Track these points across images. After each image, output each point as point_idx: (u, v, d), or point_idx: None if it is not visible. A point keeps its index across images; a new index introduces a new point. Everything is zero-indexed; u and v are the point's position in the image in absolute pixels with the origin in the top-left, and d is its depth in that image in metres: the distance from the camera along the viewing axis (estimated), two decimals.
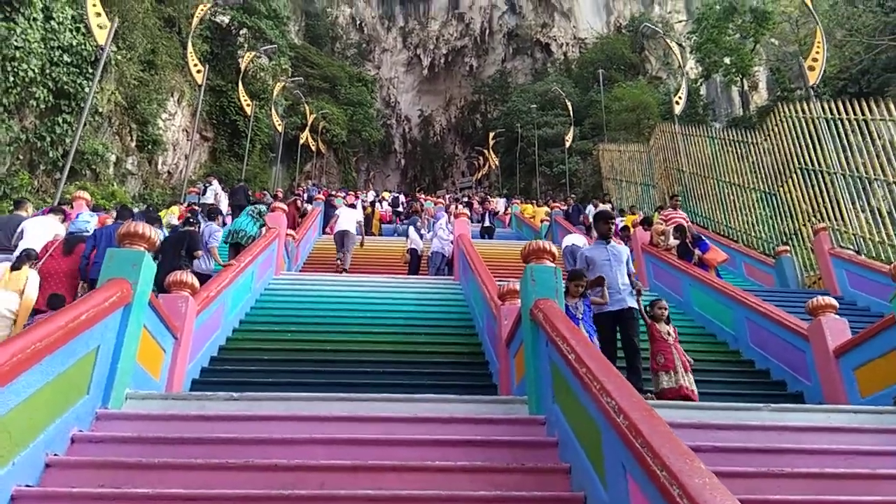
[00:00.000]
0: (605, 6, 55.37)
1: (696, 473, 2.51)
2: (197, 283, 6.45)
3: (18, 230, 7.86)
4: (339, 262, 12.86)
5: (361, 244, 13.72)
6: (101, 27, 13.21)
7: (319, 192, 24.60)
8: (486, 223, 20.15)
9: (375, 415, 4.67)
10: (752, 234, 15.59)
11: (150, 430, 4.37)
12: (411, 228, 14.23)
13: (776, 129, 15.01)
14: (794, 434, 4.78)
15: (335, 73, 50.93)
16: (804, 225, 13.45)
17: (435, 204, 19.81)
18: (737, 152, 17.01)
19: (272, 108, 33.04)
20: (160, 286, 6.25)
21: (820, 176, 13.22)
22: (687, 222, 11.14)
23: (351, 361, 7.15)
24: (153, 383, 5.44)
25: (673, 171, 20.70)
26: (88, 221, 9.31)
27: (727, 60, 33.20)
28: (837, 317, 6.66)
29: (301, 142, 38.57)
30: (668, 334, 6.53)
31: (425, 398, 5.08)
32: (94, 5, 13.10)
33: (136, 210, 11.88)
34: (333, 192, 25.17)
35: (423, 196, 28.35)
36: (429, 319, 8.88)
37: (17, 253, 7.22)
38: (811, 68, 13.94)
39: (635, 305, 6.50)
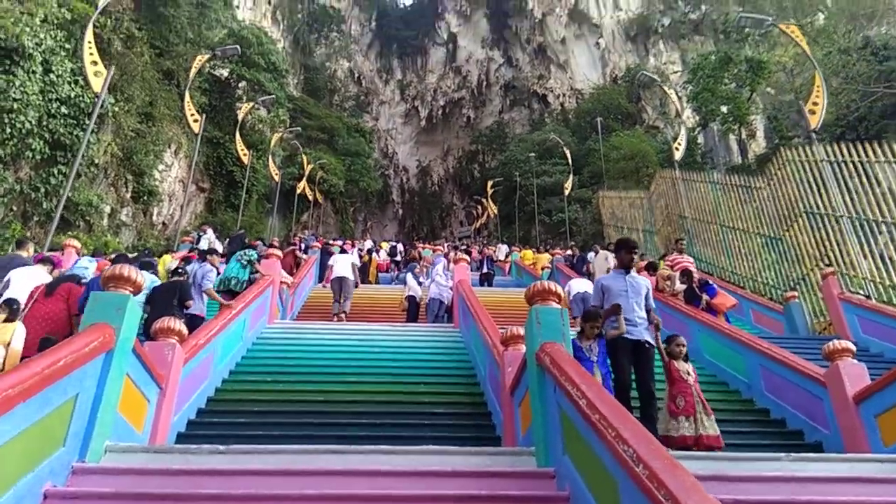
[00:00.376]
0: (601, 58, 56.51)
1: None
2: (185, 331, 6.17)
3: (5, 280, 7.47)
4: (336, 311, 12.55)
5: (356, 285, 13.36)
6: (97, 75, 13.27)
7: (317, 242, 24.44)
8: (486, 269, 19.89)
9: (372, 468, 4.34)
10: (759, 279, 15.35)
11: (131, 486, 4.05)
12: (409, 275, 14.01)
13: (779, 173, 14.96)
14: (819, 485, 4.46)
15: (333, 125, 51.56)
16: (812, 270, 13.23)
17: (434, 251, 19.62)
18: (740, 197, 16.93)
19: (269, 159, 33.21)
20: (149, 337, 6.03)
21: (826, 219, 13.08)
22: (693, 267, 10.90)
23: (346, 413, 6.81)
24: (135, 436, 5.11)
25: (675, 217, 20.60)
26: (87, 267, 9.07)
27: (724, 109, 33.57)
28: (855, 361, 6.37)
29: (298, 192, 38.69)
30: (688, 374, 6.08)
31: (425, 450, 4.76)
32: (91, 53, 13.18)
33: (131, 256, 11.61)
34: (330, 242, 24.98)
35: (421, 245, 28.21)
36: (428, 368, 8.56)
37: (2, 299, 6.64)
38: (812, 112, 13.97)
39: (652, 341, 6.11)
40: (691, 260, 11.44)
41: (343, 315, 12.50)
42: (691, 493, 2.49)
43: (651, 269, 10.89)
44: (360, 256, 19.27)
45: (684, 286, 10.49)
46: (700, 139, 39.31)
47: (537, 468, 4.50)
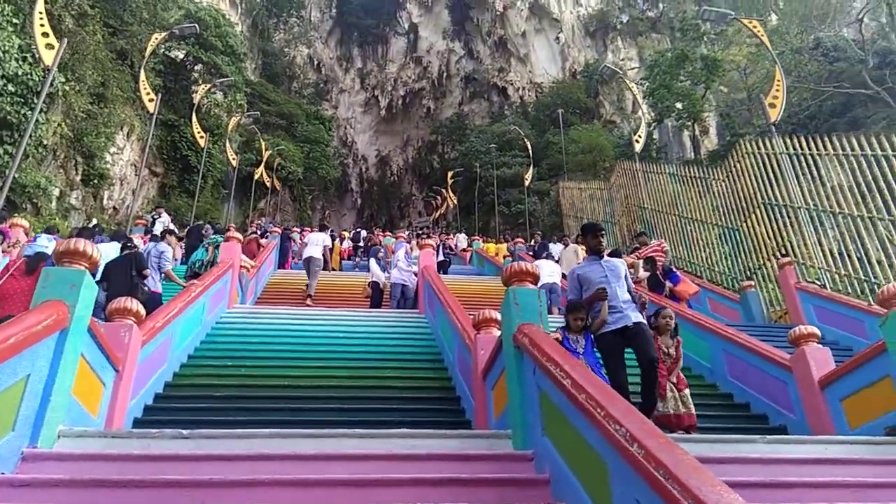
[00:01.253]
0: (561, 53, 56.89)
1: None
2: (143, 311, 5.87)
3: None
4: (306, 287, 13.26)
5: (324, 266, 14.02)
6: (48, 48, 12.59)
7: (275, 228, 23.95)
8: (441, 257, 18.61)
9: (346, 452, 4.19)
10: (716, 269, 15.67)
11: (86, 473, 3.79)
12: (372, 261, 13.78)
13: (738, 165, 15.25)
14: (795, 467, 4.51)
15: (292, 111, 50.62)
16: (768, 260, 13.54)
17: (396, 239, 19.41)
18: (698, 189, 17.21)
19: (226, 144, 32.38)
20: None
21: (783, 210, 13.38)
22: (664, 252, 10.95)
23: (313, 398, 6.62)
24: (90, 420, 4.82)
25: (634, 209, 20.87)
26: (46, 246, 8.80)
27: (679, 105, 34.20)
28: (821, 346, 6.48)
29: (255, 178, 37.85)
30: (668, 353, 5.92)
31: (399, 433, 4.62)
32: (42, 25, 12.49)
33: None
34: (289, 228, 24.52)
35: (381, 233, 27.93)
36: (394, 353, 8.41)
37: None
38: (772, 105, 14.26)
39: (642, 319, 5.74)
40: (664, 245, 11.49)
41: (310, 295, 12.91)
42: (692, 471, 2.41)
43: (614, 256, 10.93)
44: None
45: (647, 273, 10.56)
46: (655, 135, 39.98)
47: (514, 451, 4.41)
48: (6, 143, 16.33)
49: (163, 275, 9.64)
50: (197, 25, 23.61)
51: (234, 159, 33.14)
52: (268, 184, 40.65)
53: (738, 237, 15.03)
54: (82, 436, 4.30)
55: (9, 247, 8.94)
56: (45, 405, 4.09)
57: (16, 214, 16.37)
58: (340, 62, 72.05)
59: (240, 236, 11.64)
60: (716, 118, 41.86)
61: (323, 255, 14.01)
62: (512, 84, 61.51)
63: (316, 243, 14.01)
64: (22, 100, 16.57)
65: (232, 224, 24.39)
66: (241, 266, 11.15)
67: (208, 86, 29.31)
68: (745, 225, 14.80)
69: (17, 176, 16.38)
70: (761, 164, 14.23)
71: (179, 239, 16.72)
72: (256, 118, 38.06)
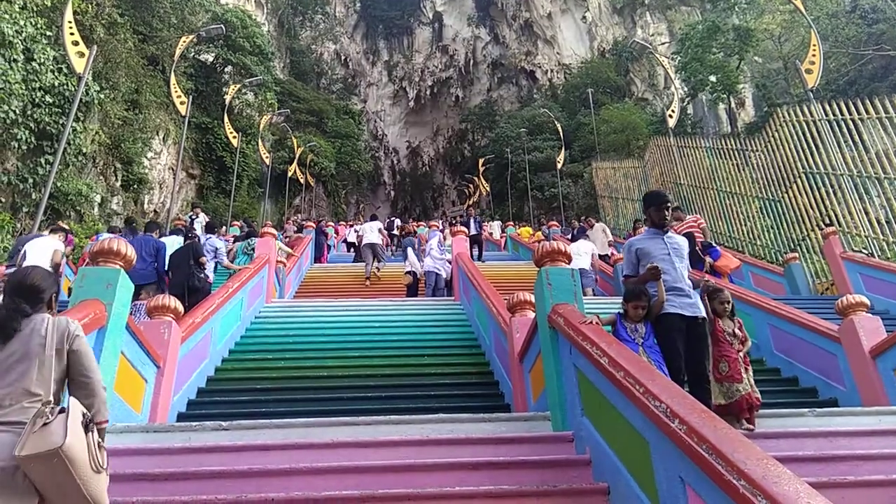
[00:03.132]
0: (588, 32, 55.94)
1: (783, 479, 2.06)
2: (181, 308, 5.96)
3: (21, 251, 8.15)
4: (367, 274, 14.59)
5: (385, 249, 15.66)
6: (80, 55, 12.85)
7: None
8: (473, 231, 17.34)
9: (383, 439, 4.18)
10: (758, 243, 15.25)
11: (130, 467, 3.86)
12: (409, 250, 13.80)
13: (776, 135, 14.77)
14: (847, 440, 4.34)
15: (321, 107, 50.97)
16: (812, 230, 13.10)
17: (429, 228, 19.36)
18: (736, 162, 16.76)
19: (259, 143, 32.77)
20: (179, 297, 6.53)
21: (825, 179, 12.93)
22: (701, 228, 10.62)
23: (351, 387, 6.64)
24: (134, 416, 4.92)
25: (670, 185, 20.43)
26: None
27: (713, 78, 33.33)
28: (870, 315, 6.22)
29: (289, 175, 38.25)
30: (734, 335, 5.20)
31: (437, 419, 4.60)
32: (72, 33, 12.75)
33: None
34: (324, 222, 24.72)
35: (415, 223, 27.95)
36: (431, 340, 8.39)
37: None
38: (809, 71, 13.76)
39: (705, 314, 4.95)
40: (701, 221, 11.16)
41: (376, 276, 14.41)
42: (737, 445, 2.31)
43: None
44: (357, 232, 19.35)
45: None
46: (689, 109, 39.08)
47: (553, 432, 4.35)
48: (47, 154, 16.74)
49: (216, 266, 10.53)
50: (224, 27, 23.86)
51: (267, 158, 33.55)
52: (302, 180, 41.07)
53: (779, 209, 14.59)
54: (125, 431, 4.38)
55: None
56: None
57: (60, 222, 16.88)
58: (367, 56, 72.22)
59: (274, 232, 11.74)
60: (751, 89, 40.70)
61: (381, 234, 15.64)
62: (540, 67, 60.78)
63: (372, 230, 15.36)
64: (60, 110, 16.95)
65: (268, 222, 24.69)
66: (277, 261, 11.26)
67: (238, 86, 29.65)
68: (786, 196, 14.35)
69: (59, 184, 16.80)
70: (800, 133, 13.75)
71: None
72: (287, 116, 38.45)
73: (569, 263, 4.94)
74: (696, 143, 20.15)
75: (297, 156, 39.30)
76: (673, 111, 22.01)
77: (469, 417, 4.65)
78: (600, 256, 13.89)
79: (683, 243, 5.20)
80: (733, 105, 36.99)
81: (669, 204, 5.17)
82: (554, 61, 59.20)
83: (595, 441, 3.72)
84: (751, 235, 15.72)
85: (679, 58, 35.58)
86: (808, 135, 13.52)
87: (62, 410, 2.36)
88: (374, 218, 17.93)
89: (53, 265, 8.22)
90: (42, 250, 8.21)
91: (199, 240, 9.77)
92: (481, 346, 8.02)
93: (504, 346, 6.51)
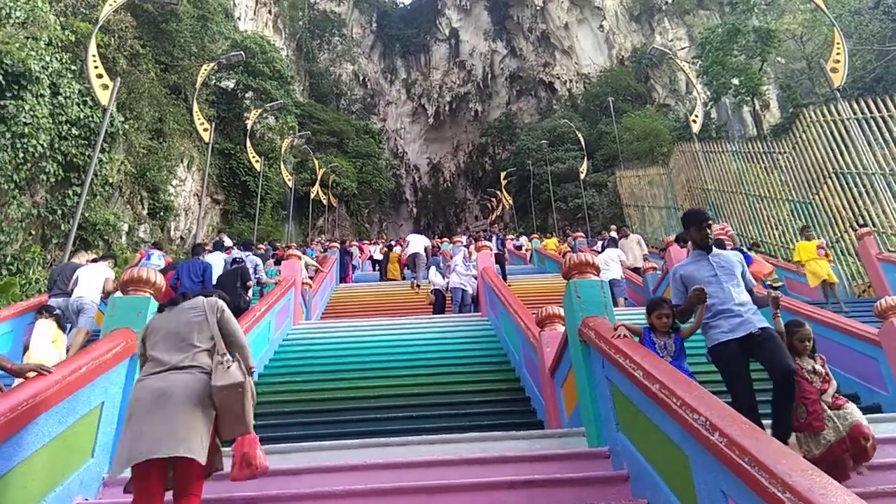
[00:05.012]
0: (606, 40, 55.83)
1: (830, 491, 1.99)
2: None
3: (74, 277, 8.60)
4: (412, 284, 15.19)
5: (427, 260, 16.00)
6: (104, 88, 13.15)
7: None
8: (496, 249, 16.87)
9: (415, 459, 4.12)
10: (790, 247, 14.94)
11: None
12: (432, 269, 13.78)
13: (804, 136, 14.52)
14: (893, 447, 4.18)
15: (342, 128, 51.49)
16: (846, 232, 12.80)
17: (453, 244, 19.34)
18: (764, 165, 16.49)
19: (281, 165, 33.17)
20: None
21: (857, 179, 12.65)
22: (729, 236, 10.42)
23: (381, 407, 6.60)
24: None
25: (697, 191, 20.18)
26: (159, 264, 10.77)
27: (735, 81, 32.96)
28: None
29: (312, 196, 38.61)
30: (814, 372, 4.32)
31: (469, 437, 4.54)
32: (96, 67, 13.06)
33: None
34: (348, 242, 24.84)
35: (439, 239, 27.95)
36: (460, 357, 8.33)
37: (72, 298, 8.28)
38: (834, 70, 13.52)
39: (767, 324, 4.39)
40: (728, 228, 10.96)
41: (418, 285, 14.78)
42: (780, 457, 2.24)
43: (681, 241, 10.52)
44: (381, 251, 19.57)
45: None
46: (713, 113, 38.66)
47: (589, 448, 4.27)
48: (75, 185, 17.08)
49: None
50: (244, 53, 24.29)
51: (289, 180, 33.92)
52: (324, 201, 41.43)
53: (811, 211, 14.29)
54: None
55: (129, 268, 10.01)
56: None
57: (89, 251, 17.18)
58: (385, 75, 72.89)
59: (299, 254, 11.82)
60: (776, 91, 40.18)
61: (425, 249, 16.49)
62: (558, 78, 60.75)
63: (417, 242, 16.60)
64: (86, 142, 17.32)
65: (293, 244, 24.88)
66: (302, 283, 11.31)
67: (259, 111, 30.09)
68: (817, 197, 14.07)
69: (87, 215, 17.11)
70: (829, 133, 13.49)
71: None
72: (308, 138, 38.91)
73: (597, 275, 4.86)
74: (721, 147, 19.90)
75: (319, 177, 39.68)
76: (696, 116, 21.78)
77: (502, 435, 4.58)
78: (635, 269, 13.69)
79: (734, 259, 4.74)
80: (758, 107, 36.50)
81: (711, 222, 4.79)
82: (572, 71, 59.15)
83: (632, 456, 3.63)
84: (783, 239, 15.42)
85: (700, 62, 35.29)
86: (836, 134, 13.26)
87: (234, 359, 3.31)
88: (427, 227, 18.80)
89: (105, 293, 8.58)
90: (94, 277, 8.65)
91: (245, 264, 10.26)
92: (511, 362, 7.94)
93: (534, 361, 6.43)
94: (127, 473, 4.15)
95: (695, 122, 21.50)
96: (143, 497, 3.05)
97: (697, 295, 4.34)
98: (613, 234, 17.92)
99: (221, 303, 3.64)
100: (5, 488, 3.09)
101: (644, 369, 3.34)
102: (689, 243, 8.67)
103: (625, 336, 3.99)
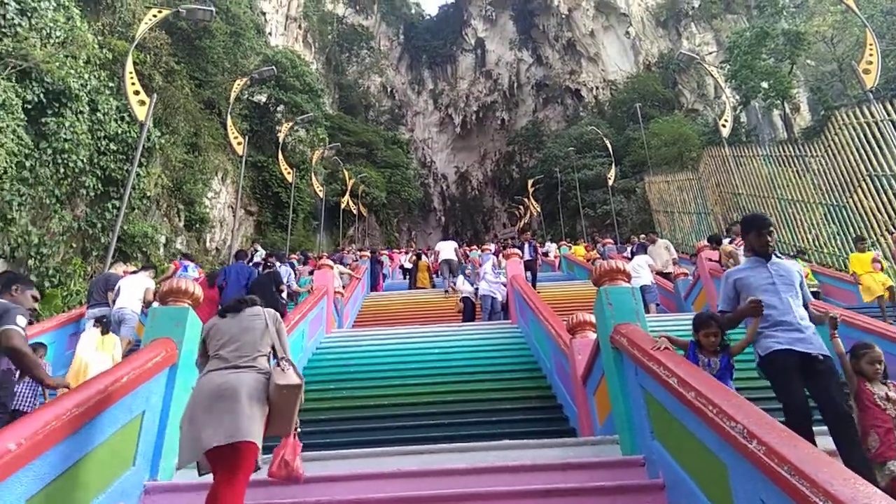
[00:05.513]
0: (632, 47, 55.48)
1: (875, 500, 1.96)
2: None
3: (116, 288, 8.88)
4: (446, 287, 15.84)
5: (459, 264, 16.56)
6: (141, 103, 13.51)
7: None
8: (527, 256, 16.19)
9: (448, 467, 4.14)
10: (824, 251, 14.65)
11: (201, 501, 3.93)
12: (461, 277, 13.81)
13: (836, 138, 14.25)
14: None
15: (370, 139, 52.00)
16: (882, 235, 12.51)
17: (482, 252, 19.36)
18: (796, 168, 16.21)
19: (312, 177, 33.61)
20: None
21: (891, 181, 12.36)
22: None
23: (413, 415, 6.64)
24: None
25: (728, 196, 19.89)
26: (194, 275, 11.24)
27: (765, 85, 32.52)
28: None
29: (342, 206, 39.03)
30: (888, 399, 3.88)
31: (502, 445, 4.55)
32: (133, 83, 13.44)
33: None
34: (378, 250, 25.03)
35: (467, 248, 28.00)
36: (490, 365, 8.33)
37: (114, 309, 8.52)
38: (866, 71, 13.27)
39: (829, 353, 4.04)
40: None
41: (454, 289, 14.83)
42: (821, 465, 2.21)
43: (714, 242, 10.38)
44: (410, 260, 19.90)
45: None
46: (743, 117, 38.10)
47: (623, 457, 4.24)
48: (113, 199, 17.52)
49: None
50: (275, 68, 24.74)
51: (320, 191, 34.34)
52: (354, 211, 41.80)
53: (844, 214, 14.00)
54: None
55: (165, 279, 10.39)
56: (162, 439, 4.29)
57: (127, 263, 17.58)
58: (412, 86, 73.38)
59: (331, 263, 11.95)
60: (806, 93, 39.49)
61: (456, 253, 17.13)
62: (585, 85, 60.51)
63: (448, 248, 17.09)
64: (124, 156, 17.77)
65: (324, 253, 25.14)
66: (335, 291, 11.44)
67: (291, 124, 30.55)
68: (851, 201, 13.78)
69: (126, 227, 17.53)
70: (862, 135, 13.23)
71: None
72: (338, 149, 39.35)
73: (628, 282, 4.85)
74: (752, 151, 19.61)
75: (349, 187, 40.09)
76: (726, 120, 21.51)
77: (535, 443, 4.58)
78: (663, 274, 13.56)
79: (793, 269, 4.43)
80: (788, 111, 35.94)
81: (772, 228, 4.50)
82: (599, 78, 58.86)
83: (668, 464, 3.60)
84: (817, 243, 15.12)
85: (728, 66, 34.89)
86: (870, 136, 12.99)
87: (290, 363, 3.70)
88: (455, 235, 19.10)
89: (146, 303, 8.81)
90: (135, 288, 8.92)
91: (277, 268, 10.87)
92: (542, 369, 7.92)
93: (566, 368, 6.41)
94: (168, 479, 4.26)
95: (724, 126, 21.22)
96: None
97: (753, 307, 4.06)
98: (643, 238, 17.71)
99: (278, 315, 3.97)
100: (52, 495, 3.18)
101: (679, 377, 3.32)
102: (732, 248, 8.36)
103: (666, 349, 3.88)
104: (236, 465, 3.30)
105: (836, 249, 14.38)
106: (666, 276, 13.57)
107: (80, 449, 3.45)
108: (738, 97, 35.42)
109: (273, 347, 3.76)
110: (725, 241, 11.29)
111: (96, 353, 7.03)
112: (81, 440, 3.46)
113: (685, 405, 3.18)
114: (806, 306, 4.31)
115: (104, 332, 7.44)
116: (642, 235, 19.20)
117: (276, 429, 3.61)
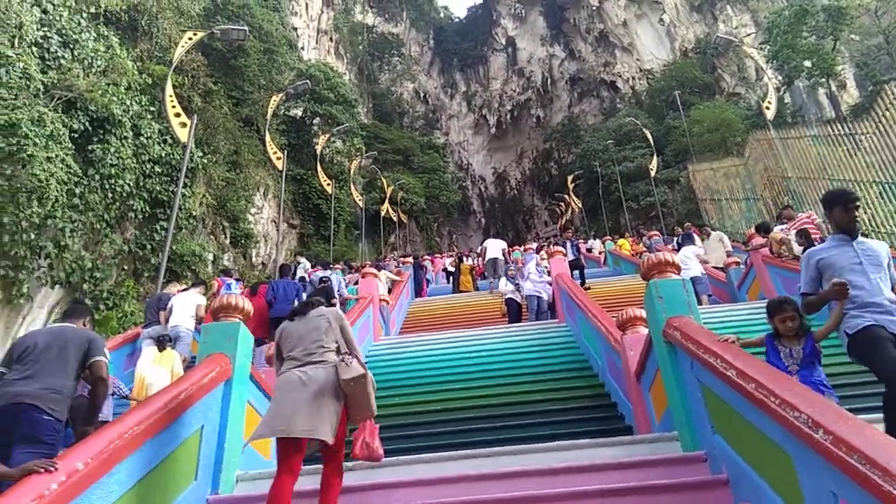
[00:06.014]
0: (667, 34, 54.47)
1: None
2: None
3: (168, 307, 9.17)
4: (490, 289, 15.68)
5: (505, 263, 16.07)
6: (182, 125, 13.87)
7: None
8: (571, 256, 15.59)
9: (505, 470, 4.11)
10: (882, 230, 14.07)
11: None
12: (503, 279, 13.71)
13: (887, 113, 13.68)
14: None
15: (406, 145, 52.36)
16: None
17: (524, 251, 19.24)
18: (846, 147, 15.62)
19: (351, 187, 33.98)
20: None
21: None
22: (816, 225, 9.84)
23: (466, 419, 6.63)
24: (263, 462, 5.11)
25: (777, 180, 19.30)
26: (237, 291, 11.61)
27: (808, 64, 31.55)
28: None
29: (382, 214, 39.35)
30: None
31: (558, 446, 4.49)
32: (173, 106, 13.81)
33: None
34: (420, 256, 25.14)
35: (509, 248, 27.88)
36: (540, 366, 8.25)
37: (168, 327, 8.78)
38: None
39: None
40: (814, 216, 10.36)
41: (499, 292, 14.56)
42: (892, 453, 2.11)
43: (763, 230, 10.07)
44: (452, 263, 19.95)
45: (803, 247, 9.57)
46: (787, 98, 37.01)
47: (683, 453, 4.15)
48: (161, 220, 18.01)
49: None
50: (309, 82, 25.11)
51: (360, 200, 34.70)
52: (394, 218, 42.09)
53: None
54: (257, 478, 4.54)
55: (211, 296, 10.73)
56: (221, 453, 4.37)
57: (179, 282, 18.04)
58: (445, 89, 73.59)
59: (375, 271, 12.04)
60: (852, 69, 38.15)
61: (503, 253, 16.80)
62: (620, 76, 59.70)
63: (495, 247, 16.86)
64: (168, 178, 18.26)
65: (368, 262, 25.37)
66: (380, 299, 11.51)
67: (327, 136, 30.96)
68: None
69: (174, 247, 18.00)
70: None
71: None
72: (375, 158, 39.71)
73: (678, 274, 4.74)
74: (799, 132, 19.00)
75: (388, 195, 40.41)
76: (769, 103, 20.90)
77: (590, 443, 4.51)
78: (720, 269, 13.16)
79: (881, 249, 4.14)
80: (834, 88, 34.80)
81: (859, 202, 4.23)
82: (634, 68, 58.00)
83: (731, 459, 3.50)
84: (872, 223, 14.54)
85: (768, 47, 33.98)
86: None
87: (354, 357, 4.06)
88: (496, 236, 19.32)
89: (198, 318, 9.11)
90: (187, 305, 9.18)
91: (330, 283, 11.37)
92: (593, 368, 7.81)
93: (618, 365, 6.31)
94: (229, 492, 4.34)
95: (768, 108, 20.61)
96: (285, 470, 3.70)
97: (838, 290, 3.76)
98: (689, 228, 17.08)
99: (342, 313, 4.41)
100: None
101: (737, 368, 3.22)
102: (783, 234, 8.07)
103: (727, 342, 3.69)
104: (326, 449, 3.85)
105: (893, 228, 13.80)
106: (721, 270, 13.16)
107: (144, 465, 3.54)
108: (780, 78, 34.45)
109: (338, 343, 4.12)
110: (777, 228, 10.91)
111: (154, 367, 7.41)
112: (145, 457, 3.55)
113: (745, 397, 3.09)
114: (894, 288, 4.02)
115: (161, 349, 7.75)
116: (687, 224, 18.71)
117: (356, 415, 4.00)
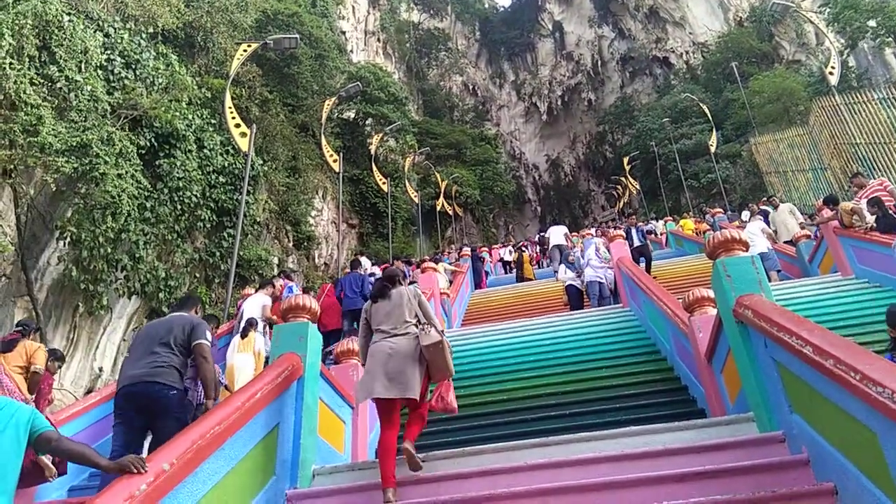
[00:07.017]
0: (720, 4, 52.62)
1: None
2: None
3: (240, 312, 9.78)
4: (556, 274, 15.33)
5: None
6: (243, 135, 14.30)
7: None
8: (637, 242, 15.07)
9: (577, 457, 4.10)
10: None
11: None
12: (561, 266, 13.58)
13: None
14: None
15: (458, 139, 52.36)
16: None
17: (583, 237, 19.04)
18: None
19: (406, 184, 34.30)
20: None
21: None
22: (888, 191, 9.33)
23: (534, 408, 6.63)
24: (338, 457, 5.25)
25: (845, 147, 18.44)
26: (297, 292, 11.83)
27: (872, 23, 29.93)
28: None
29: (438, 209, 39.58)
30: None
31: (630, 432, 4.44)
32: (233, 117, 14.23)
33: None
34: (477, 248, 25.21)
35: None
36: (606, 351, 8.16)
37: (242, 323, 9.00)
38: None
39: None
40: (887, 183, 9.81)
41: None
42: None
43: (831, 203, 9.64)
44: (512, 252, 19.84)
45: (875, 216, 9.04)
46: (851, 61, 35.18)
47: (760, 434, 4.04)
48: (227, 228, 18.62)
49: None
50: (360, 84, 25.47)
51: (415, 196, 35.00)
52: (450, 212, 42.25)
53: None
54: (334, 472, 4.67)
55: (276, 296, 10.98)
56: (298, 448, 4.52)
57: (248, 286, 18.64)
58: (493, 80, 73.22)
59: (435, 266, 12.14)
60: None
61: (565, 237, 17.12)
62: (673, 52, 58.04)
63: (557, 233, 17.14)
64: (232, 187, 18.85)
65: (426, 256, 25.58)
66: (441, 293, 11.60)
67: (380, 135, 31.33)
68: None
69: (241, 253, 18.59)
70: None
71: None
72: (428, 153, 39.95)
73: (746, 251, 4.60)
74: (866, 96, 18.07)
75: (443, 189, 40.59)
76: (833, 67, 19.94)
77: (663, 427, 4.44)
78: (788, 243, 12.57)
79: None
80: None
81: None
82: (687, 43, 56.30)
83: (811, 438, 3.40)
84: None
85: (828, 9, 32.39)
86: None
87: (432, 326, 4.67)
88: (555, 223, 19.62)
89: (265, 318, 9.53)
90: (255, 306, 9.69)
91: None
92: (661, 351, 7.67)
93: (687, 348, 6.18)
94: (307, 487, 4.49)
95: (831, 73, 19.65)
96: (386, 423, 4.43)
97: None
98: (764, 206, 16.10)
99: (418, 290, 5.03)
100: None
101: (814, 345, 3.12)
102: (853, 204, 7.59)
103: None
104: (412, 405, 4.56)
105: None
106: (788, 242, 12.57)
107: (226, 463, 3.69)
108: (843, 41, 32.80)
109: (417, 315, 4.73)
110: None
111: (239, 355, 8.11)
112: (226, 455, 3.71)
113: (824, 374, 2.99)
114: None
115: (244, 336, 8.35)
116: (765, 199, 17.68)
117: (437, 376, 4.68)
